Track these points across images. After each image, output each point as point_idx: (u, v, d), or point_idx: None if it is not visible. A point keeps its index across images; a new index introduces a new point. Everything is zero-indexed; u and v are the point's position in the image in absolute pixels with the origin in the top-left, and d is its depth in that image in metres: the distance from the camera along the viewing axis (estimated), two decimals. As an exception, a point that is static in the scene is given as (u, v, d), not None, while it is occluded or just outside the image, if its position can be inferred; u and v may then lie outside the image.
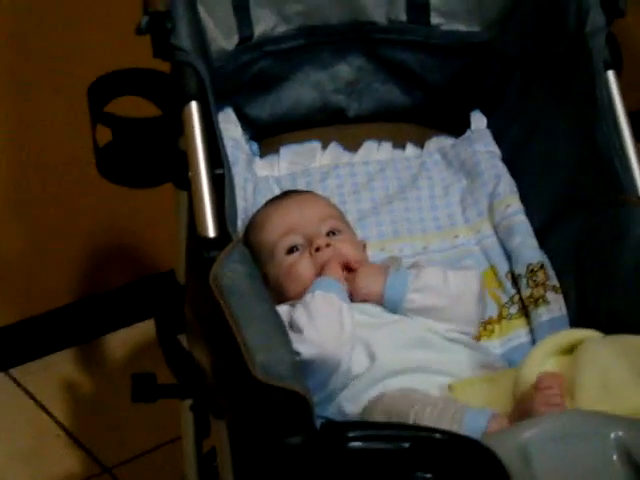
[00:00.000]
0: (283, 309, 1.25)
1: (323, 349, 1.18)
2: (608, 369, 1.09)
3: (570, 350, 1.14)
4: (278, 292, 1.30)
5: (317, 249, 1.30)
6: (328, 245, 1.30)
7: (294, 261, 1.31)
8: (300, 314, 1.22)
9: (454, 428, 1.07)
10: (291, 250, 1.32)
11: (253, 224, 1.38)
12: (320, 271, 1.29)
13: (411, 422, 1.09)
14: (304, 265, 1.30)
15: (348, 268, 1.30)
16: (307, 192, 1.43)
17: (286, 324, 1.20)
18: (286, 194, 1.42)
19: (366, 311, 1.28)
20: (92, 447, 1.85)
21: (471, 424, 1.08)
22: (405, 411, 1.11)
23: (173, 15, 1.23)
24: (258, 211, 1.40)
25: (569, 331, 1.25)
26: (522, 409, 1.09)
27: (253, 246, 1.34)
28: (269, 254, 1.33)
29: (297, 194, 1.41)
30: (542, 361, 1.13)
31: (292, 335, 1.18)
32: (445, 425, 1.08)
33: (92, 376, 2.00)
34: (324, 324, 1.20)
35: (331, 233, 1.33)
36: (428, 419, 1.09)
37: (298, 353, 1.17)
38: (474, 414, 1.10)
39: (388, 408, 1.14)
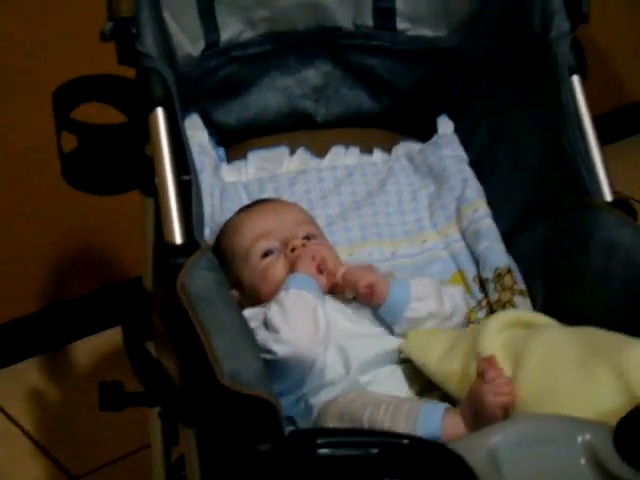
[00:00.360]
0: (257, 310, 1.24)
1: (298, 348, 1.18)
2: (558, 350, 1.11)
3: (525, 326, 1.16)
4: (253, 296, 1.30)
5: (292, 249, 1.30)
6: (304, 246, 1.30)
7: (269, 264, 1.30)
8: (274, 312, 1.21)
9: (409, 424, 1.08)
10: (266, 254, 1.31)
11: (226, 230, 1.38)
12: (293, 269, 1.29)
13: (365, 423, 1.10)
14: (279, 267, 1.29)
15: (323, 268, 1.28)
16: (280, 199, 1.43)
17: (260, 323, 1.20)
18: (259, 201, 1.42)
19: (347, 314, 1.27)
20: (59, 456, 1.84)
21: (426, 418, 1.09)
22: (358, 413, 1.12)
23: (138, 21, 1.22)
24: (232, 217, 1.39)
25: (526, 311, 1.28)
26: (473, 401, 1.10)
27: (226, 252, 1.34)
28: (243, 259, 1.32)
29: (271, 201, 1.41)
30: (498, 332, 1.14)
31: (266, 334, 1.18)
32: (401, 422, 1.09)
33: (59, 385, 1.98)
34: (299, 323, 1.19)
35: (307, 238, 1.33)
36: (382, 418, 1.10)
37: (273, 352, 1.17)
38: (428, 409, 1.10)
39: (341, 411, 1.14)
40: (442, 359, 1.17)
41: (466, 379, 1.14)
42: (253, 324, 1.20)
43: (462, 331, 1.23)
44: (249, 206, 1.40)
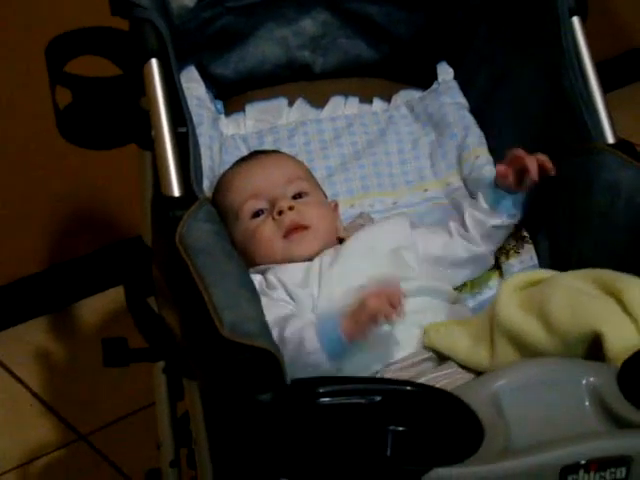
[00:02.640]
0: (256, 279, 1.22)
1: None
2: (578, 289, 1.09)
3: (535, 284, 1.14)
4: (244, 255, 1.29)
5: (280, 212, 1.29)
6: (291, 208, 1.29)
7: (257, 225, 1.30)
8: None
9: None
10: (256, 214, 1.30)
11: (219, 186, 1.37)
12: (285, 234, 1.27)
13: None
14: (267, 229, 1.29)
15: (304, 227, 1.27)
16: (274, 152, 1.41)
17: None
18: (253, 155, 1.40)
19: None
20: (66, 415, 1.84)
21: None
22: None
23: (129, -29, 1.20)
24: (224, 173, 1.38)
25: (536, 270, 1.26)
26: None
27: (220, 208, 1.33)
28: (234, 218, 1.32)
29: (264, 155, 1.39)
30: (512, 294, 1.12)
31: None
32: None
33: (64, 344, 1.98)
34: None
35: (297, 195, 1.32)
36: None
37: None
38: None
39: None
40: (470, 351, 1.14)
41: (495, 358, 1.11)
42: None
43: (480, 319, 1.17)
44: (242, 159, 1.39)
